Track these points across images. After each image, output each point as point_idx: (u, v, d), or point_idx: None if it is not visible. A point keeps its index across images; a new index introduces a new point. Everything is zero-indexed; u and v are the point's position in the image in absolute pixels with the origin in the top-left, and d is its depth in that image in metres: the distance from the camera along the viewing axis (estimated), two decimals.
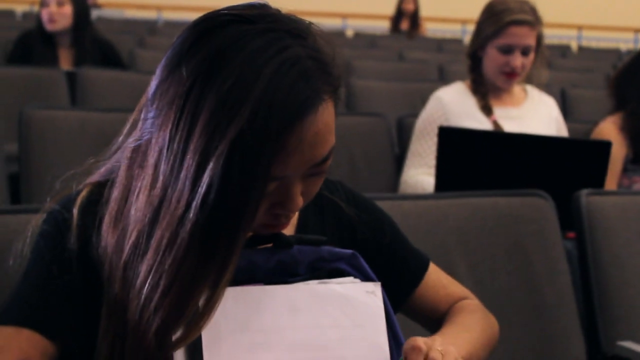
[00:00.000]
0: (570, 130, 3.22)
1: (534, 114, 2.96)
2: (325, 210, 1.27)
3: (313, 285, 1.14)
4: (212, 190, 0.97)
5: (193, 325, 1.03)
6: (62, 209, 1.13)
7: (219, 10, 1.06)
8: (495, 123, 2.83)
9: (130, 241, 1.04)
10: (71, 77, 3.71)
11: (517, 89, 3.00)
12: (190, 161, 0.98)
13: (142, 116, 1.08)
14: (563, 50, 8.99)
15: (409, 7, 8.76)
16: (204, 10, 1.11)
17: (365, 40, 7.94)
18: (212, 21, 1.04)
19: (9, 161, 2.79)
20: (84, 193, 1.14)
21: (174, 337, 1.03)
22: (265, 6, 1.07)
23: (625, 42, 10.95)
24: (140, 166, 1.05)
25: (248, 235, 1.07)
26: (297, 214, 1.24)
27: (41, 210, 1.16)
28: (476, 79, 2.93)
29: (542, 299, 1.90)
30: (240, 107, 0.97)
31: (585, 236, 2.00)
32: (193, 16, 1.16)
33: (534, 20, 2.83)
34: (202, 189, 0.97)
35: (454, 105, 2.88)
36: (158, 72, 1.06)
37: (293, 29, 1.04)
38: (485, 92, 2.91)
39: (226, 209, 0.99)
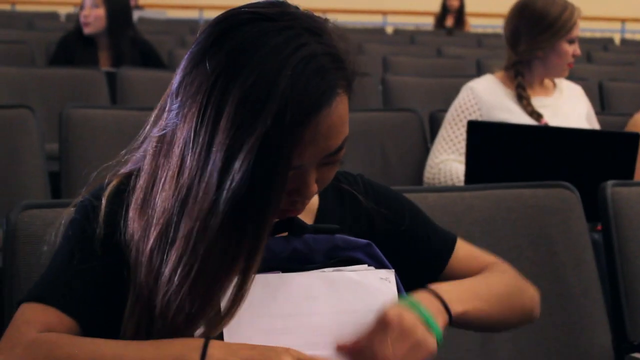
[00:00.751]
0: (606, 122, 3.24)
1: (565, 101, 3.08)
2: (345, 202, 1.31)
3: (328, 272, 1.19)
4: (240, 182, 1.02)
5: (226, 312, 1.08)
6: (92, 198, 1.19)
7: (240, 8, 1.11)
8: (533, 113, 2.89)
9: (157, 229, 1.09)
10: (111, 78, 3.79)
11: (548, 81, 3.08)
12: (217, 154, 1.03)
13: (167, 107, 1.13)
14: (605, 43, 8.92)
15: (454, 3, 8.77)
16: None
17: (404, 36, 7.96)
18: (234, 18, 1.09)
19: (51, 160, 2.87)
20: (114, 183, 1.20)
21: (204, 325, 1.09)
22: (284, 4, 1.12)
23: None
24: (166, 156, 1.11)
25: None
26: (317, 205, 1.28)
27: (73, 201, 1.23)
28: (521, 82, 2.99)
29: (568, 288, 1.92)
30: (264, 103, 1.02)
31: (611, 226, 2.02)
32: None
33: None
34: (230, 182, 1.03)
35: (487, 96, 2.96)
36: (182, 65, 1.11)
37: (310, 27, 1.09)
38: (524, 86, 2.98)
39: (253, 199, 1.04)
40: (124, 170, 1.22)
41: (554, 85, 3.11)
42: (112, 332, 1.12)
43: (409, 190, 1.90)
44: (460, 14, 8.75)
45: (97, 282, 1.15)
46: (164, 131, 1.13)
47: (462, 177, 2.69)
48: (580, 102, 3.12)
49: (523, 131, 2.51)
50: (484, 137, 2.45)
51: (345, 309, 1.17)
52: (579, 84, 3.22)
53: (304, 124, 1.04)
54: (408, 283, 1.24)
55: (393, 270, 1.21)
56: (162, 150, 1.12)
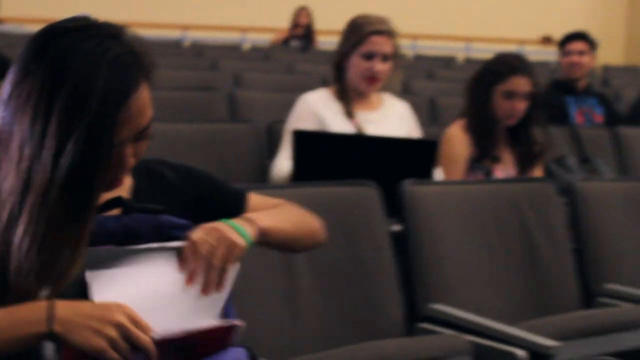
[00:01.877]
0: (434, 134, 3.57)
1: (389, 117, 3.34)
2: (154, 179, 1.58)
3: (155, 246, 1.44)
4: (72, 160, 1.31)
5: (62, 278, 1.36)
6: None
7: (52, 24, 1.41)
8: (357, 125, 3.22)
9: (7, 208, 1.36)
10: None
11: (374, 96, 3.38)
12: (51, 141, 1.32)
13: None
14: (448, 61, 9.51)
15: (303, 20, 9.16)
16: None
17: (260, 53, 8.31)
18: (50, 33, 1.39)
19: None
20: None
21: (49, 288, 1.36)
22: (86, 17, 1.43)
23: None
24: (5, 151, 1.38)
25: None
26: (131, 183, 1.55)
27: None
28: (340, 88, 3.31)
29: (366, 269, 2.28)
30: (86, 97, 1.32)
31: (407, 218, 2.39)
32: None
33: (391, 31, 3.27)
34: (64, 161, 1.31)
35: (320, 108, 3.24)
36: (10, 77, 1.40)
37: (110, 33, 1.40)
38: (349, 99, 3.29)
39: (84, 173, 1.33)
40: None
41: (382, 101, 3.38)
42: None
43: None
44: (309, 32, 9.14)
45: None
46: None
47: (285, 170, 3.00)
48: (404, 119, 3.39)
49: (341, 139, 2.87)
50: (308, 145, 2.79)
51: (172, 280, 1.42)
52: (409, 100, 3.53)
53: (120, 109, 1.35)
54: None
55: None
56: (0, 147, 1.39)
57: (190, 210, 1.57)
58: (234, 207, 1.63)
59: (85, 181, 1.34)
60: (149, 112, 1.43)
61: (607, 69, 10.46)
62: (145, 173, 1.57)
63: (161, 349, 1.33)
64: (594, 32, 13.94)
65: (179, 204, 1.57)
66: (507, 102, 3.39)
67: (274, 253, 2.16)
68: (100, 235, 1.44)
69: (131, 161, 1.43)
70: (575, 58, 5.03)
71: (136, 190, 1.56)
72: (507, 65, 3.41)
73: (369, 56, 3.20)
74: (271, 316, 2.12)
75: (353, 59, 3.22)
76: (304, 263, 2.20)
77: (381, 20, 3.27)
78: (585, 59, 5.04)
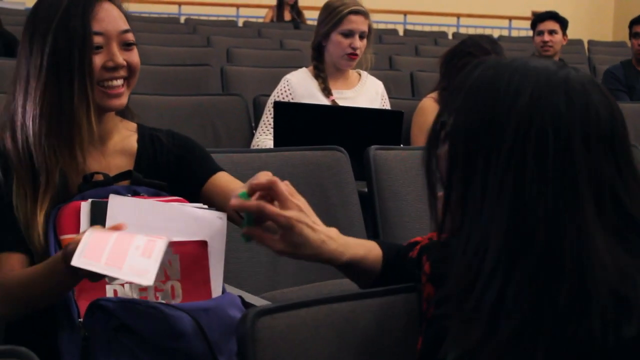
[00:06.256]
0: (413, 106, 3.91)
1: (364, 94, 3.69)
2: (155, 145, 1.89)
3: (176, 205, 1.72)
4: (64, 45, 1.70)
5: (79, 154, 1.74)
6: None
7: None
8: (333, 102, 3.55)
9: (18, 129, 1.74)
10: None
11: (352, 73, 3.72)
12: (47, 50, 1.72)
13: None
14: (438, 37, 9.82)
15: None
16: None
17: (253, 29, 8.62)
18: None
19: None
20: None
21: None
22: None
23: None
24: (14, 89, 1.76)
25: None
26: (135, 149, 1.86)
27: None
28: (318, 66, 3.65)
29: (336, 223, 2.59)
30: (64, 12, 1.72)
31: (372, 178, 2.73)
32: None
33: (366, 12, 3.62)
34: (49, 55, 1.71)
35: (299, 86, 3.58)
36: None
37: None
38: (326, 77, 3.62)
39: (76, 58, 1.69)
40: None
41: (359, 78, 3.72)
42: None
43: (225, 151, 2.59)
44: (295, 7, 9.39)
45: (12, 208, 1.69)
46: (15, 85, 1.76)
47: (265, 147, 3.34)
48: (378, 96, 3.73)
49: (318, 110, 3.21)
50: (287, 115, 3.13)
51: (190, 231, 1.68)
52: (391, 75, 3.84)
53: (90, 8, 1.72)
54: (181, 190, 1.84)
55: (226, 213, 1.74)
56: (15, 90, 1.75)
57: (172, 167, 1.87)
58: (200, 176, 1.90)
59: (79, 67, 1.70)
60: (121, 20, 1.77)
61: (592, 44, 10.81)
62: (149, 139, 1.89)
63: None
64: (584, 10, 14.22)
65: (166, 162, 1.88)
66: None
67: None
68: None
69: (120, 59, 1.76)
70: (546, 37, 5.35)
71: (140, 155, 1.87)
72: (479, 47, 3.69)
73: (348, 34, 3.53)
74: (254, 262, 2.47)
75: (334, 38, 3.55)
76: None
77: (355, 2, 3.62)
78: (556, 38, 5.36)
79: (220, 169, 1.96)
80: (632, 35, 5.53)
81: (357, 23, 3.56)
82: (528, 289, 1.05)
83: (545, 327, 1.04)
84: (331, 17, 3.57)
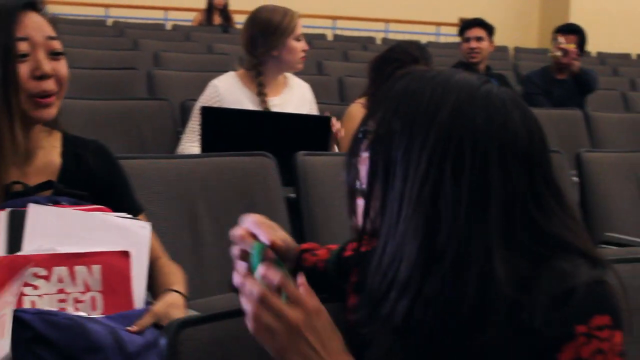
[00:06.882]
0: (341, 112, 3.90)
1: (292, 97, 3.67)
2: (79, 161, 1.83)
3: (99, 214, 1.70)
4: None
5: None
6: None
7: None
8: (265, 108, 3.53)
9: None
10: None
11: (281, 78, 3.70)
12: None
13: None
14: (366, 42, 9.87)
15: (219, 1, 9.37)
16: None
17: (181, 33, 8.54)
18: None
19: None
20: None
21: None
22: None
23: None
24: None
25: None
26: (59, 165, 1.80)
27: None
28: (259, 72, 3.61)
29: None
30: None
31: (300, 184, 2.73)
32: None
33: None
34: None
35: (227, 92, 3.54)
36: None
37: None
38: (263, 83, 3.60)
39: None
40: None
41: (286, 82, 3.70)
42: None
43: (150, 157, 2.55)
44: (225, 12, 9.35)
45: None
46: None
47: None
48: (306, 96, 3.73)
49: (245, 116, 3.18)
50: (215, 120, 3.09)
51: (113, 241, 1.67)
52: (320, 80, 3.84)
53: (13, 17, 1.66)
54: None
55: (150, 223, 1.76)
56: None
57: (96, 186, 1.82)
58: (120, 208, 1.82)
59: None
60: (44, 30, 1.70)
61: (518, 50, 10.99)
62: (73, 155, 1.82)
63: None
64: (510, 17, 14.44)
65: (95, 188, 1.82)
66: None
67: (183, 216, 2.50)
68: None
69: (47, 68, 1.69)
70: (473, 44, 5.40)
71: (63, 172, 1.80)
72: (407, 54, 3.71)
73: (300, 38, 3.58)
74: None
75: (289, 44, 3.55)
76: (207, 223, 2.51)
77: (288, 8, 3.64)
78: (483, 45, 5.42)
79: (142, 210, 1.94)
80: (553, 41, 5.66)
81: (300, 27, 3.63)
82: (436, 301, 1.09)
83: (451, 337, 1.10)
84: (283, 26, 3.56)
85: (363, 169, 1.18)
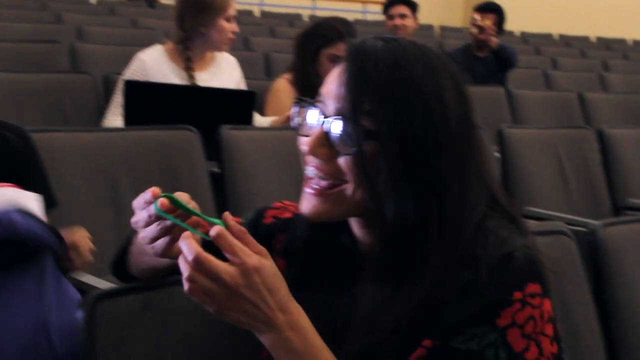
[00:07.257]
0: (266, 87, 3.91)
1: (220, 72, 3.65)
2: (4, 139, 1.82)
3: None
4: None
5: None
6: None
7: None
8: (193, 83, 3.50)
9: None
10: None
11: (208, 53, 3.67)
12: None
13: None
14: (293, 19, 9.85)
15: None
16: None
17: (105, 7, 8.42)
18: None
19: None
20: None
21: None
22: None
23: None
24: None
25: None
26: None
27: None
28: (185, 49, 3.56)
29: None
30: None
31: (224, 158, 2.72)
32: None
33: None
34: None
35: (154, 69, 3.48)
36: None
37: None
38: (191, 58, 3.56)
39: None
40: None
41: (213, 59, 3.66)
42: None
43: (72, 130, 2.52)
44: None
45: None
46: None
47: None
48: (233, 71, 3.71)
49: (170, 90, 3.16)
50: (139, 94, 3.06)
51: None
52: (246, 55, 3.80)
53: None
54: None
55: (41, 195, 1.70)
56: None
57: (20, 177, 1.77)
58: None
59: None
60: None
61: (443, 29, 11.09)
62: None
63: None
64: None
65: (14, 170, 1.80)
66: (331, 65, 3.70)
67: (105, 190, 2.48)
68: None
69: None
70: (397, 21, 5.43)
71: None
72: (334, 30, 3.72)
73: (230, 20, 3.53)
74: (100, 241, 2.41)
75: (219, 24, 3.51)
76: (130, 197, 2.48)
77: None
78: (407, 22, 5.45)
79: (57, 203, 1.94)
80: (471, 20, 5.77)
81: (234, 8, 3.58)
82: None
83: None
84: (215, 4, 3.52)
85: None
